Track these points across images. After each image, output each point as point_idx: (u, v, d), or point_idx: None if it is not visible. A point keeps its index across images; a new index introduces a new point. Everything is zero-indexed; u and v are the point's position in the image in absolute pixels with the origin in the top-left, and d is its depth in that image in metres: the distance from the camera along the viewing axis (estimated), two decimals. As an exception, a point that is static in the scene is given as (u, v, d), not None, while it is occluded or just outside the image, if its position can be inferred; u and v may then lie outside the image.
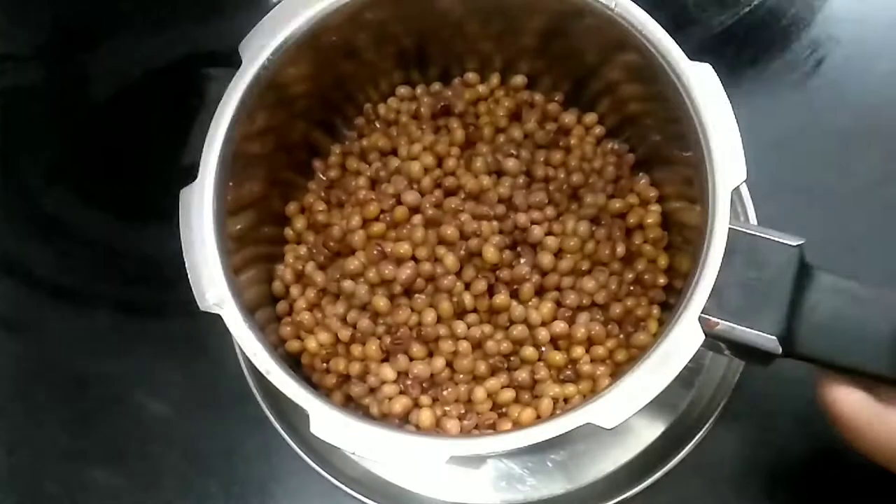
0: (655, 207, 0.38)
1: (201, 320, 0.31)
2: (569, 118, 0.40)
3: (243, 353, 0.32)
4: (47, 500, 0.41)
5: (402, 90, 0.41)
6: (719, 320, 0.29)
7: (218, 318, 0.31)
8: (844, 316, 0.30)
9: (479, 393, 0.35)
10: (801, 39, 0.46)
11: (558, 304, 0.36)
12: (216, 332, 0.32)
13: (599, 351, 0.35)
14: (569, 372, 0.35)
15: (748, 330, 0.29)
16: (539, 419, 0.34)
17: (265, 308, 0.37)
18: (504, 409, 0.35)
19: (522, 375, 0.35)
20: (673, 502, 0.38)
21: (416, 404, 0.35)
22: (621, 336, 0.36)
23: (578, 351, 0.35)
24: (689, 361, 0.29)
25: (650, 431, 0.38)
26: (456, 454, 0.29)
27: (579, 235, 0.37)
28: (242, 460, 0.40)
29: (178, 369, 0.42)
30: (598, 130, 0.40)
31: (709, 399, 0.38)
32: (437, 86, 0.41)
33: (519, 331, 0.35)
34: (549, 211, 0.38)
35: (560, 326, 0.35)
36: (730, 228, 0.30)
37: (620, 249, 0.37)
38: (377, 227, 0.37)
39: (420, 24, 0.38)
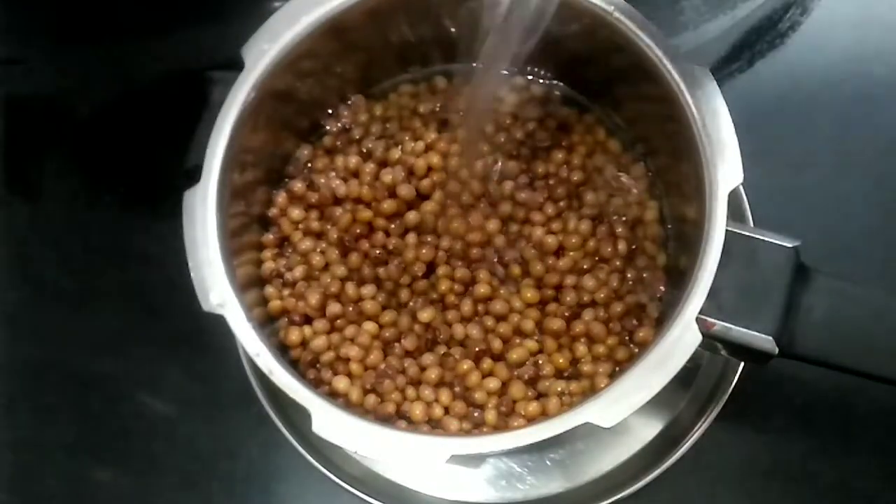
0: (654, 206, 0.38)
1: (204, 321, 0.31)
2: (568, 119, 0.40)
3: (246, 353, 0.32)
4: (50, 499, 0.41)
5: (405, 87, 0.41)
6: (716, 321, 0.30)
7: (221, 318, 0.31)
8: (840, 316, 0.30)
9: (479, 390, 0.35)
10: (799, 42, 0.46)
11: (558, 301, 0.37)
12: (219, 332, 0.32)
13: (600, 349, 0.36)
14: (570, 369, 0.35)
15: (745, 330, 0.30)
16: (545, 415, 0.34)
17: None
18: (508, 406, 0.35)
19: (524, 371, 0.35)
20: (671, 501, 0.39)
21: (411, 400, 0.35)
22: (622, 333, 0.36)
23: (580, 350, 0.36)
24: (687, 361, 0.29)
25: (648, 431, 0.39)
26: (456, 453, 0.29)
27: (580, 233, 0.37)
28: (245, 459, 0.41)
29: (180, 369, 0.42)
30: (597, 131, 0.40)
31: (706, 398, 0.38)
32: (439, 82, 0.41)
33: (511, 324, 0.36)
34: (550, 209, 0.38)
35: (558, 324, 0.36)
36: (727, 230, 0.30)
37: (622, 246, 0.37)
38: (366, 214, 0.37)
39: (422, 23, 0.38)
